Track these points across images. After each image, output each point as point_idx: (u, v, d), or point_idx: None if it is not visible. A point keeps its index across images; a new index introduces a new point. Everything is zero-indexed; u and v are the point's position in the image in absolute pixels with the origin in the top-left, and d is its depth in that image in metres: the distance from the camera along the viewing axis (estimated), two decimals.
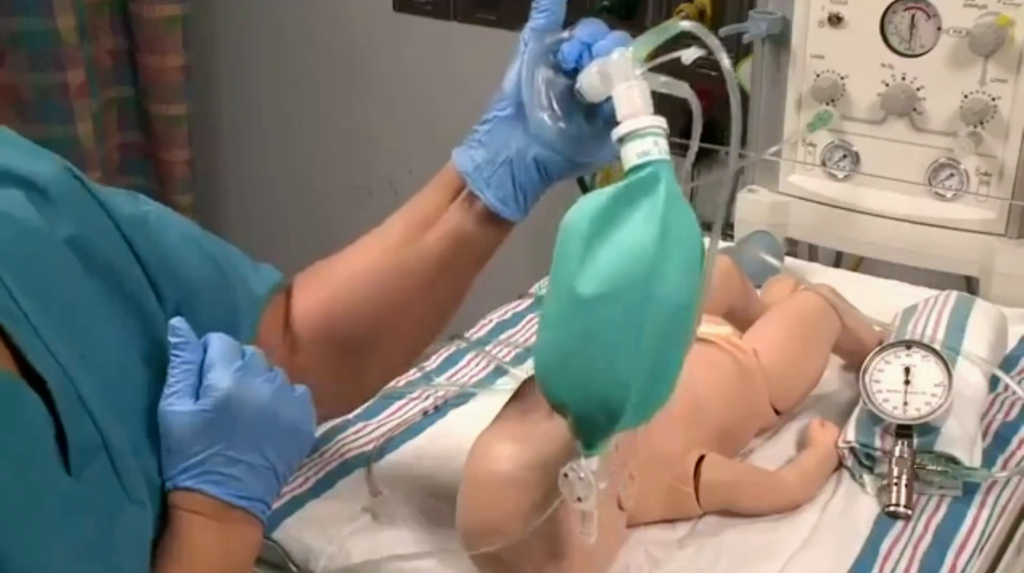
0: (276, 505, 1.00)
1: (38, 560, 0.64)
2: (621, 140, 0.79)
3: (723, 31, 1.45)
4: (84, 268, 0.75)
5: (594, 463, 0.79)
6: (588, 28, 0.85)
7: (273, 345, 0.90)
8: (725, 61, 0.81)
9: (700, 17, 1.80)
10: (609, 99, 0.82)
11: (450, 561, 0.93)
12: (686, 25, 0.81)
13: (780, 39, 1.39)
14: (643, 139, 0.78)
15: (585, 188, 1.97)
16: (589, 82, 0.83)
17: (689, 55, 0.82)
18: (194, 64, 2.42)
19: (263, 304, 0.90)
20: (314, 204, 2.52)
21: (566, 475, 0.79)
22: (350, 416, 1.13)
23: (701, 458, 0.97)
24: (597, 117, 0.87)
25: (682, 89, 0.81)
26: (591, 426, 0.78)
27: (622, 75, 0.80)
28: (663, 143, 0.78)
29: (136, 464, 0.74)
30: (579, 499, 0.79)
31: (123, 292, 0.78)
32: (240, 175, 2.65)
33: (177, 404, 0.77)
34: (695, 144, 0.80)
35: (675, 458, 0.97)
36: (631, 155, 0.78)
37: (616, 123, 0.82)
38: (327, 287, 0.93)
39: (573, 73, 0.85)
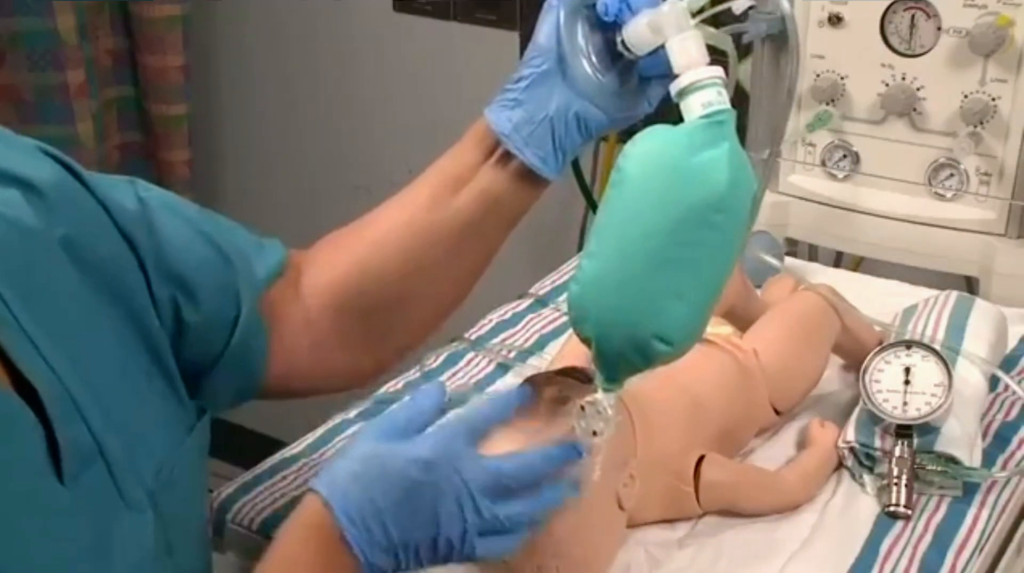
0: (276, 505, 1.01)
1: (28, 566, 0.63)
2: (682, 92, 0.78)
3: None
4: (78, 270, 0.75)
5: (612, 397, 0.78)
6: None
7: (282, 321, 0.90)
8: (784, 3, 0.82)
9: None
10: (650, 53, 0.82)
11: None
12: None
13: (780, 39, 1.39)
14: (706, 90, 0.77)
15: (587, 193, 1.96)
16: (637, 34, 0.82)
17: (740, 5, 0.82)
18: (194, 64, 2.42)
19: (267, 282, 0.89)
20: (314, 204, 2.52)
21: (583, 408, 0.79)
22: (350, 415, 1.13)
23: (701, 458, 0.97)
24: (634, 71, 0.86)
25: (725, 42, 0.82)
26: (620, 361, 0.77)
27: (675, 27, 0.79)
28: (725, 93, 0.78)
29: (133, 470, 0.73)
30: (595, 433, 0.79)
31: (117, 295, 0.77)
32: (240, 175, 2.65)
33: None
34: (729, 93, 0.80)
35: (675, 458, 0.97)
36: (695, 106, 0.77)
37: (655, 76, 0.83)
38: (349, 256, 0.92)
39: (610, 26, 0.84)
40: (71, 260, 0.74)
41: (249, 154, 2.62)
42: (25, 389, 0.67)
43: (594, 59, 0.85)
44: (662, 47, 0.81)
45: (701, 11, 0.81)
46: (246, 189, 2.64)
